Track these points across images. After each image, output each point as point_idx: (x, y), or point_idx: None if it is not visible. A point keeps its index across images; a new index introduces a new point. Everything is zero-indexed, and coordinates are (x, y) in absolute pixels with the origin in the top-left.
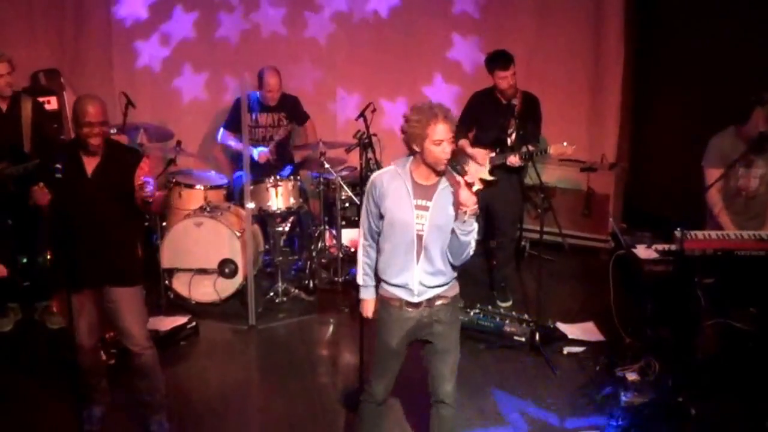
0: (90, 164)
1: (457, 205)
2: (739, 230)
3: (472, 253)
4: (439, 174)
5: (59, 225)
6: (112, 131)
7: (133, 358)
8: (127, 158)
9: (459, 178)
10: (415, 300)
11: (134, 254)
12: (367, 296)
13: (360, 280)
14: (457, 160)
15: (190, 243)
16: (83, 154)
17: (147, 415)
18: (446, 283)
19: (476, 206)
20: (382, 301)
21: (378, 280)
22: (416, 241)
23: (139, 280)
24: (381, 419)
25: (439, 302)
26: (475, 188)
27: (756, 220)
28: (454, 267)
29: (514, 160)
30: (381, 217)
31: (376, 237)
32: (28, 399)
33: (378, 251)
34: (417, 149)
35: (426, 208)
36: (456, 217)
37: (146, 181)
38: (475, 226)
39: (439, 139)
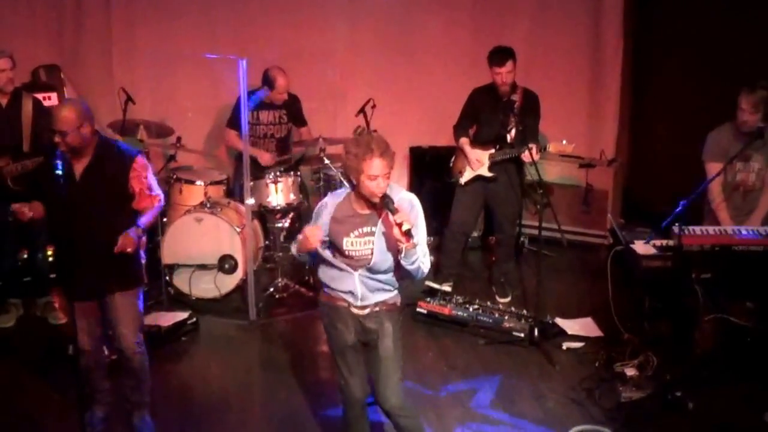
0: (78, 168)
1: (392, 241)
2: (737, 225)
3: (426, 271)
4: (375, 206)
5: (55, 233)
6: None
7: (123, 359)
8: (118, 160)
9: (390, 217)
10: (359, 303)
11: (131, 255)
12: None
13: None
14: (390, 198)
15: (190, 239)
16: (72, 157)
17: (131, 411)
18: (390, 292)
19: (411, 243)
20: (328, 304)
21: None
22: (361, 264)
23: (139, 281)
24: (367, 422)
25: (384, 308)
26: (405, 228)
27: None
28: (399, 277)
29: (534, 156)
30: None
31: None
32: (30, 395)
33: (321, 262)
34: (354, 181)
35: (372, 234)
36: (398, 251)
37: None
38: (418, 254)
39: (374, 174)
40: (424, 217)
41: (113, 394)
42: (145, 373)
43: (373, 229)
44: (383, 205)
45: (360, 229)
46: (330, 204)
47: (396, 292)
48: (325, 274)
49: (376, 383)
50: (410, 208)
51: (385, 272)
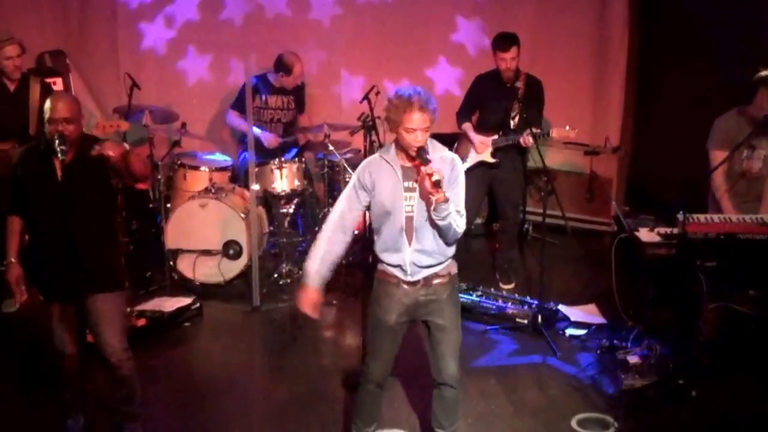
0: (60, 165)
1: (424, 193)
2: (742, 213)
3: (460, 232)
4: (414, 159)
5: (31, 234)
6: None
7: (111, 369)
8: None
9: (423, 168)
10: (410, 279)
11: (115, 256)
12: (309, 283)
13: (308, 264)
14: (425, 149)
15: (194, 224)
16: (52, 154)
17: (123, 424)
18: (441, 263)
19: (441, 195)
20: (379, 279)
21: (376, 258)
22: (407, 223)
23: (121, 284)
24: (379, 401)
25: (436, 281)
26: (434, 178)
27: (758, 202)
28: (448, 245)
29: (527, 140)
30: (367, 207)
31: (350, 225)
32: (34, 378)
33: (375, 234)
34: (393, 133)
35: (414, 189)
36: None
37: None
38: (450, 210)
39: (413, 128)
40: (464, 179)
41: (87, 401)
42: (134, 381)
43: (415, 184)
44: (417, 156)
45: (407, 183)
46: (389, 160)
47: (450, 260)
48: (378, 246)
49: (436, 357)
50: (451, 165)
51: (432, 235)
